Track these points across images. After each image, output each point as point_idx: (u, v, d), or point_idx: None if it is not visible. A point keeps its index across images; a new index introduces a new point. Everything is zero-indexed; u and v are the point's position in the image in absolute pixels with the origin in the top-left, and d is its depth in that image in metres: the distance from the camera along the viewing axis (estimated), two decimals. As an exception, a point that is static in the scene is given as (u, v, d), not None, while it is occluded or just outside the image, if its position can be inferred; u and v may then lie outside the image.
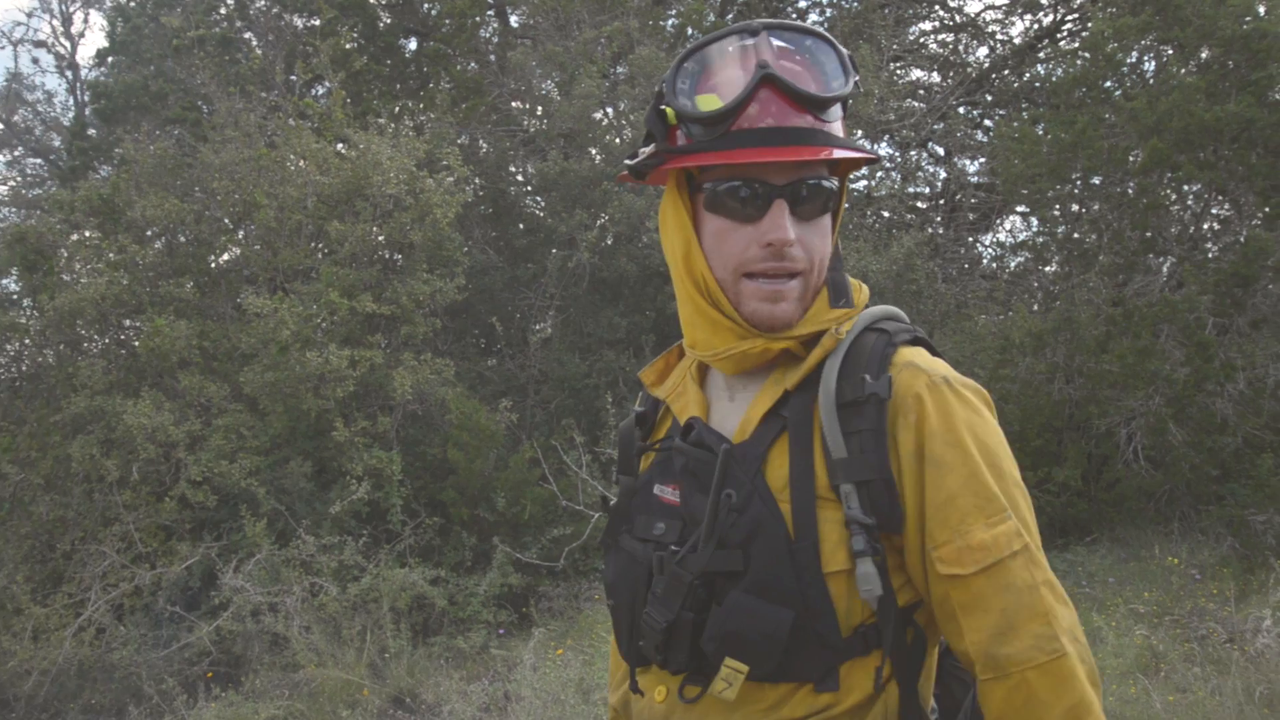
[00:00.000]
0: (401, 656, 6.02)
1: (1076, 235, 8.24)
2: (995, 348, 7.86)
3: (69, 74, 15.14)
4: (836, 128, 1.22)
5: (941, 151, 11.52)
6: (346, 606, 6.29)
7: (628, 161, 1.28)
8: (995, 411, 1.26)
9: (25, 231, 8.04)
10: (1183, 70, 7.44)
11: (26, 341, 8.45)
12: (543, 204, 10.20)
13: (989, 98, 11.35)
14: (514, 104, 11.00)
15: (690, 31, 10.12)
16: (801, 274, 1.23)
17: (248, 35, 11.42)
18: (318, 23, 10.14)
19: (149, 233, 8.38)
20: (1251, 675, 4.36)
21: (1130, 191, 7.56)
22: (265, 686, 5.92)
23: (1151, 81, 7.83)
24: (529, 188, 10.75)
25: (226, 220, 8.51)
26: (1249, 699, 4.17)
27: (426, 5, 11.62)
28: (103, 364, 7.65)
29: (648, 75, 8.96)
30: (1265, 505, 6.42)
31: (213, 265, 8.46)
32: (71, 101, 15.16)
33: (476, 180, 9.90)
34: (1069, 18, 10.88)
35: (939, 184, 11.48)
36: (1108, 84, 7.94)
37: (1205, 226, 7.96)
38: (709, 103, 1.20)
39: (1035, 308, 8.89)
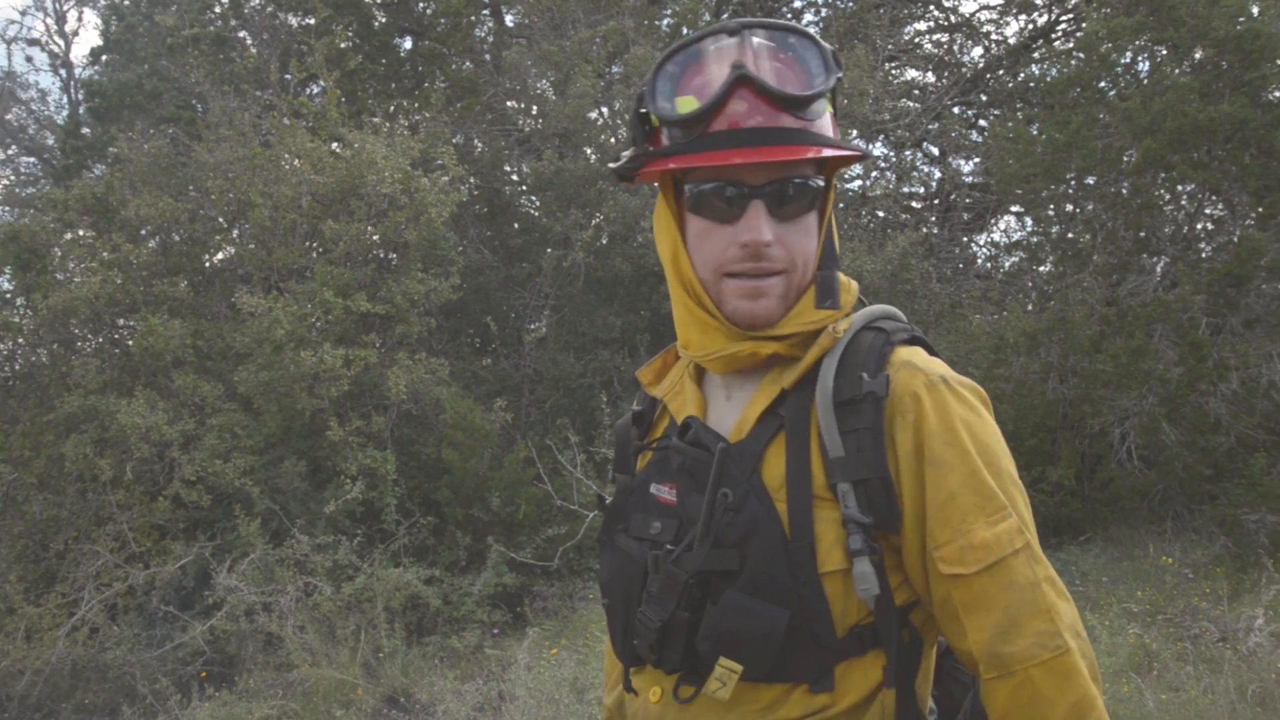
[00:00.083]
0: (396, 656, 6.02)
1: (1071, 235, 8.26)
2: (989, 347, 7.88)
3: (63, 72, 15.07)
4: (821, 125, 1.21)
5: (936, 151, 11.54)
6: (341, 606, 6.28)
7: (611, 165, 1.28)
8: (993, 410, 1.26)
9: (19, 230, 8.02)
10: (1177, 71, 7.46)
11: (20, 340, 8.44)
12: (538, 203, 10.19)
13: (984, 98, 11.37)
14: (509, 103, 10.99)
15: (685, 31, 10.12)
16: (783, 272, 1.22)
17: (242, 34, 11.40)
18: (312, 21, 10.11)
19: (143, 232, 8.36)
20: (1244, 674, 4.37)
21: (1124, 191, 7.57)
22: (259, 686, 5.91)
23: (1145, 82, 7.85)
24: (524, 187, 10.74)
25: (221, 219, 8.49)
26: (1241, 697, 4.18)
27: (421, 4, 11.61)
28: (96, 363, 7.64)
29: (643, 75, 8.91)
30: (1258, 504, 6.44)
31: (207, 264, 8.44)
32: (65, 100, 15.08)
33: (471, 180, 9.88)
34: (1064, 18, 10.91)
35: (934, 184, 11.50)
36: (1102, 84, 7.96)
37: (1199, 226, 7.99)
38: (688, 104, 1.20)
39: (1029, 307, 8.90)
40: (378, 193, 7.79)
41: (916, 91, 11.47)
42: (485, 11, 11.84)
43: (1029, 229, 9.86)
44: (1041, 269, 9.26)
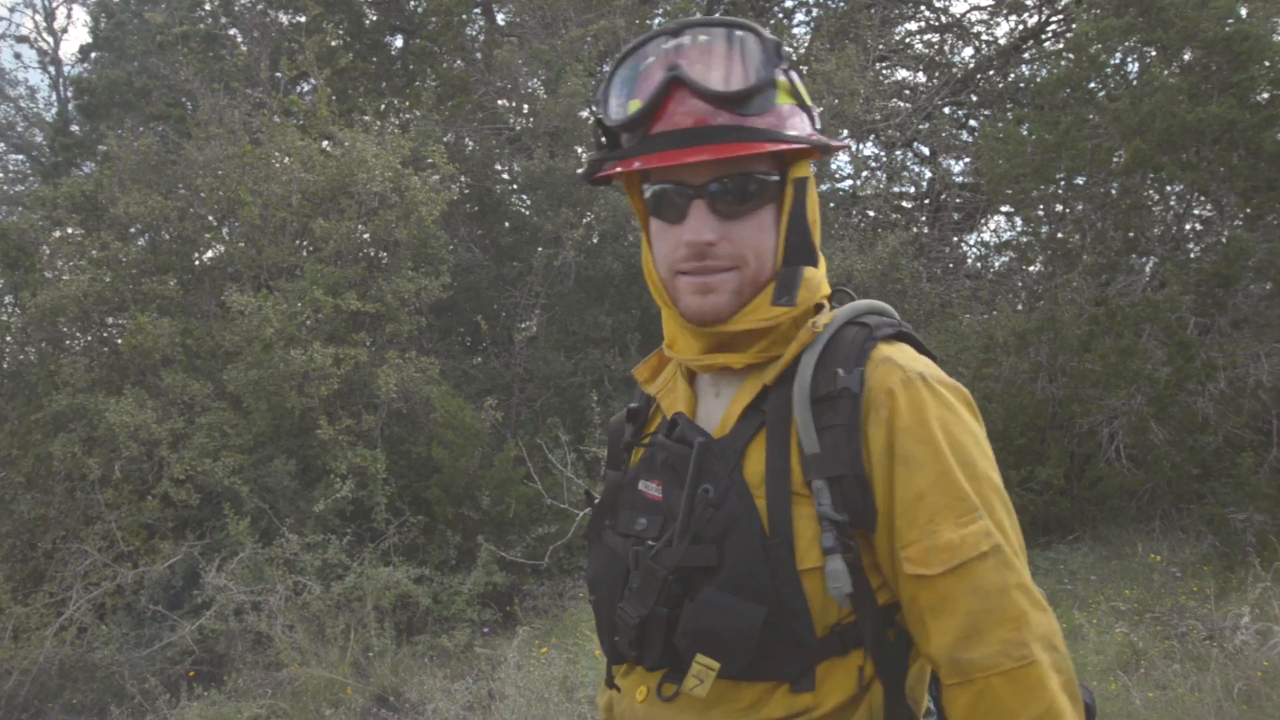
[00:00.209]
0: (385, 655, 6.00)
1: (1060, 235, 8.28)
2: (979, 347, 7.90)
3: (52, 70, 15.04)
4: (770, 119, 1.20)
5: (927, 151, 11.58)
6: (330, 605, 6.26)
7: (579, 172, 1.29)
8: (977, 411, 1.23)
9: (7, 228, 7.98)
10: (1165, 72, 7.49)
11: (8, 339, 8.39)
12: (528, 202, 10.18)
13: (974, 98, 11.41)
14: (500, 102, 10.98)
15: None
16: (734, 269, 1.22)
17: (232, 31, 11.37)
18: (303, 19, 10.09)
19: (132, 230, 8.33)
20: (1230, 672, 4.40)
21: (1113, 192, 7.60)
22: (248, 685, 5.89)
23: (1135, 83, 7.88)
24: (515, 186, 10.73)
25: (210, 217, 8.46)
26: (1227, 695, 4.20)
27: (412, 2, 11.59)
28: (85, 362, 7.60)
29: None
30: (1245, 504, 6.47)
31: (196, 263, 8.41)
32: (54, 97, 15.05)
33: (462, 178, 9.88)
34: (1053, 19, 10.95)
35: (924, 184, 11.53)
36: (1092, 85, 7.99)
37: (1187, 227, 8.02)
38: (635, 108, 1.21)
39: (1019, 307, 8.94)
40: (368, 191, 7.77)
41: (907, 91, 11.50)
42: (476, 10, 11.83)
43: (1019, 229, 9.90)
44: (1031, 269, 9.30)
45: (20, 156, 15.48)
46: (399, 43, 11.72)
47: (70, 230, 8.23)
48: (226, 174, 7.96)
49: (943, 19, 11.86)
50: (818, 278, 1.27)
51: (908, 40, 12.12)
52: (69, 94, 13.22)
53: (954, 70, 11.41)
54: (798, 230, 1.24)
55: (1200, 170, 7.14)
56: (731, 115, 1.18)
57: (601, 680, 1.48)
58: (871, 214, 10.47)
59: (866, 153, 11.21)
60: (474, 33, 12.03)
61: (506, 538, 7.36)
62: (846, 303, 1.32)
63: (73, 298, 7.42)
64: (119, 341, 7.78)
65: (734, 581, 1.15)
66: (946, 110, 11.20)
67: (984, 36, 11.64)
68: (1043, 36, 11.16)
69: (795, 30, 12.18)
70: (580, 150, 9.65)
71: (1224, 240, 7.21)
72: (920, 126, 10.63)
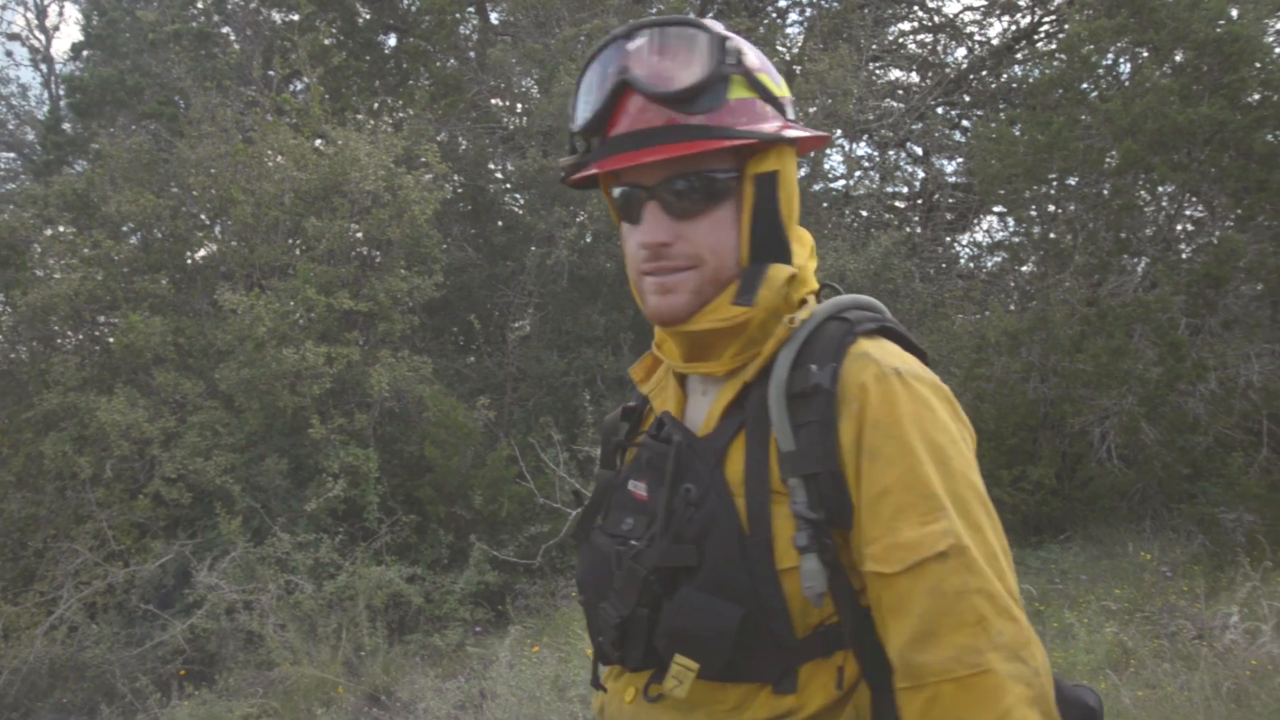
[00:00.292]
0: (377, 654, 6.00)
1: (1052, 235, 8.30)
2: (971, 347, 7.92)
3: (43, 68, 14.98)
4: (723, 114, 1.17)
5: (920, 151, 11.61)
6: (322, 604, 6.25)
7: (560, 177, 1.30)
8: (958, 409, 1.19)
9: (-2, 226, 7.97)
10: (1157, 73, 7.51)
11: (-1, 337, 8.37)
12: (522, 201, 10.18)
13: (967, 98, 11.43)
14: (493, 101, 10.98)
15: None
16: (693, 268, 1.20)
17: (225, 30, 11.33)
18: (296, 18, 10.07)
19: (124, 228, 8.31)
20: (1219, 671, 4.41)
21: (1105, 192, 7.63)
22: (239, 684, 5.88)
23: (1126, 83, 7.90)
24: (508, 185, 10.73)
25: (203, 216, 8.45)
26: (1216, 694, 4.22)
27: (406, 1, 11.58)
28: (76, 360, 7.58)
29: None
30: (1235, 503, 6.49)
31: (188, 261, 8.39)
32: (46, 95, 14.98)
33: (455, 177, 9.87)
34: (1046, 19, 10.99)
35: (917, 184, 11.56)
36: (1084, 86, 8.00)
37: (1178, 228, 8.05)
38: (592, 112, 1.22)
39: (1011, 307, 8.96)
40: (361, 190, 7.76)
41: (900, 91, 11.52)
42: (470, 9, 11.82)
43: (1011, 229, 9.93)
44: (1023, 269, 9.32)
45: (12, 155, 15.42)
46: (392, 41, 11.72)
47: (62, 228, 8.21)
48: (219, 172, 7.94)
49: (936, 19, 11.90)
50: (775, 275, 1.22)
51: (901, 40, 12.15)
52: (61, 92, 13.18)
53: (947, 70, 11.43)
54: (764, 226, 1.22)
55: (1191, 171, 7.17)
56: (681, 114, 1.17)
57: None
58: (864, 214, 10.49)
59: (860, 153, 11.24)
60: (467, 32, 12.03)
61: (499, 537, 7.36)
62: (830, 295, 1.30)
63: (64, 296, 7.40)
64: (110, 340, 7.76)
65: (713, 581, 1.14)
66: (939, 110, 11.22)
67: (977, 37, 11.69)
68: (1035, 37, 11.19)
69: (789, 30, 12.21)
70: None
71: (1215, 241, 7.23)
72: (913, 126, 10.65)
